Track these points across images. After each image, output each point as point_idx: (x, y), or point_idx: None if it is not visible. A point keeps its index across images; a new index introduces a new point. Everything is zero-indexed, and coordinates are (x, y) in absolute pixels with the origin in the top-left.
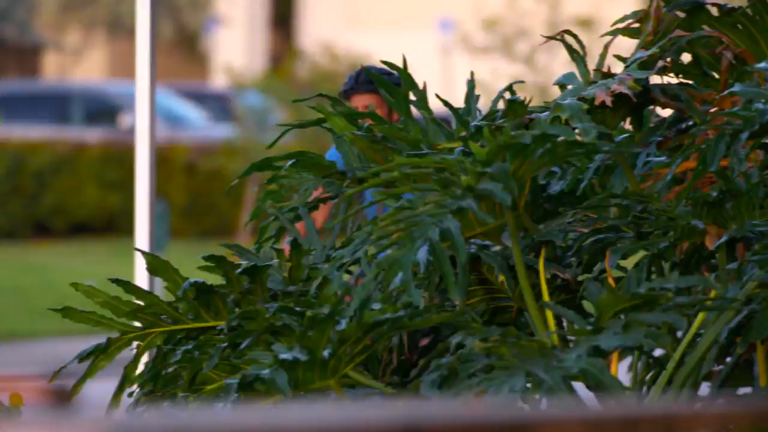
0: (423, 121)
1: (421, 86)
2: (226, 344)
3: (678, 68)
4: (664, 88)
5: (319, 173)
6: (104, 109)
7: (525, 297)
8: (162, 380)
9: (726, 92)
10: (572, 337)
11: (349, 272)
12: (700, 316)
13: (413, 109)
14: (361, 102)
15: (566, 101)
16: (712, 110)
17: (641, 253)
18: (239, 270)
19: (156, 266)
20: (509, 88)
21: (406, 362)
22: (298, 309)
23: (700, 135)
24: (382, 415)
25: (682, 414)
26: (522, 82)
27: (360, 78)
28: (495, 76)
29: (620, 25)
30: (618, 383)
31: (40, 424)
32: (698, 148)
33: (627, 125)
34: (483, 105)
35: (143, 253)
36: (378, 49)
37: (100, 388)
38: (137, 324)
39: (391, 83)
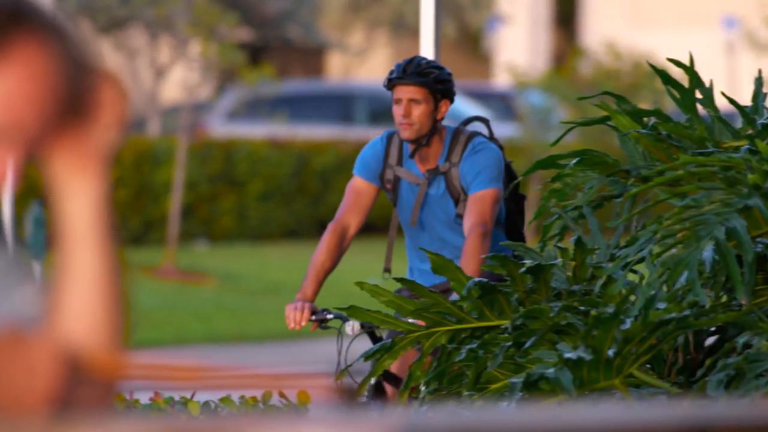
0: (708, 119)
1: (707, 84)
2: (510, 343)
3: None
4: None
5: (603, 171)
6: (388, 109)
7: None
8: (447, 378)
9: None
10: None
11: (633, 271)
12: None
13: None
14: (406, 94)
15: None
16: None
17: None
18: (523, 269)
19: (440, 265)
20: None
21: (692, 362)
22: (582, 308)
23: None
24: (668, 414)
25: None
26: None
27: (409, 69)
28: None
29: None
30: None
31: (327, 422)
32: None
33: None
34: None
35: (428, 252)
36: (660, 47)
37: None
38: (421, 323)
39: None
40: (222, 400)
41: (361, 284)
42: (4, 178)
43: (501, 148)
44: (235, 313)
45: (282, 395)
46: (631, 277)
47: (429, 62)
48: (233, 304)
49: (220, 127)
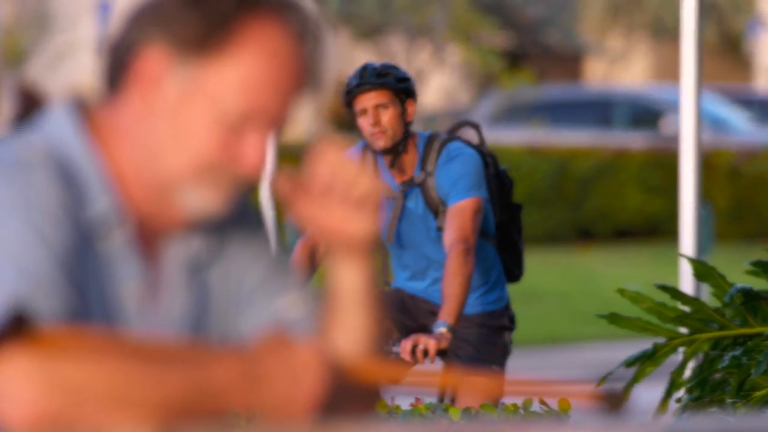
0: None
1: None
2: None
3: None
4: None
5: None
6: (648, 114)
7: None
8: (709, 386)
9: None
10: None
11: None
12: None
13: None
14: (370, 101)
15: None
16: None
17: None
18: None
19: (702, 272)
20: None
21: None
22: None
23: None
24: None
25: None
26: None
27: (366, 75)
28: None
29: None
30: None
31: (590, 428)
32: None
33: None
34: None
35: (689, 259)
36: None
37: (646, 393)
38: (683, 330)
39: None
40: (482, 406)
41: (622, 291)
42: (261, 167)
43: (491, 155)
44: None
45: (543, 402)
46: None
47: (383, 64)
48: None
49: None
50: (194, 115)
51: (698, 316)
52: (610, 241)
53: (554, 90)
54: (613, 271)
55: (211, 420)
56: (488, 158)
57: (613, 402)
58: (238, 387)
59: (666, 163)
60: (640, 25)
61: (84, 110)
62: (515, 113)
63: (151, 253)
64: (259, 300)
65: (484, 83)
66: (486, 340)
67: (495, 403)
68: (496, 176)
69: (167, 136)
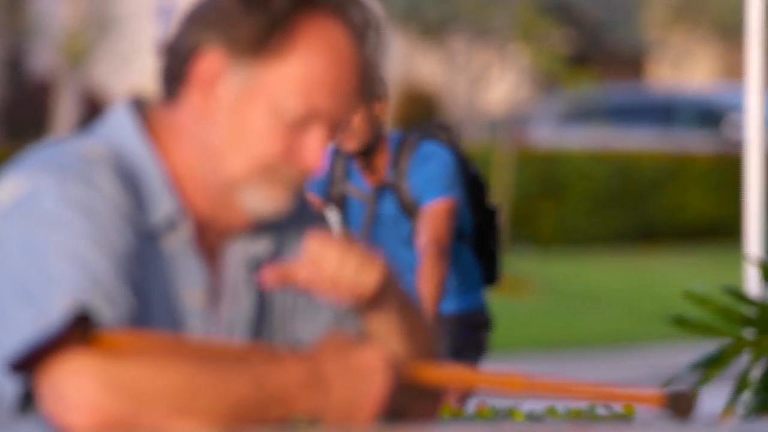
0: None
1: None
2: None
3: None
4: None
5: None
6: (712, 116)
7: None
8: None
9: None
10: None
11: None
12: None
13: None
14: None
15: None
16: None
17: None
18: None
19: None
20: None
21: None
22: None
23: None
24: None
25: None
26: None
27: None
28: None
29: None
30: None
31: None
32: None
33: None
34: None
35: (756, 260)
36: None
37: (712, 396)
38: (749, 333)
39: None
40: (548, 411)
41: (688, 294)
42: (321, 166)
43: (464, 158)
44: (556, 319)
45: (608, 407)
46: None
47: None
48: (555, 311)
49: (542, 134)
50: (253, 116)
51: (765, 318)
52: (673, 243)
53: (618, 91)
54: (677, 274)
55: (275, 425)
56: (463, 160)
57: (682, 406)
58: (304, 391)
59: (730, 164)
60: (703, 24)
61: (145, 112)
62: (579, 115)
63: (213, 255)
64: (320, 302)
65: (547, 85)
66: (462, 340)
67: (464, 399)
68: (471, 179)
69: (227, 137)
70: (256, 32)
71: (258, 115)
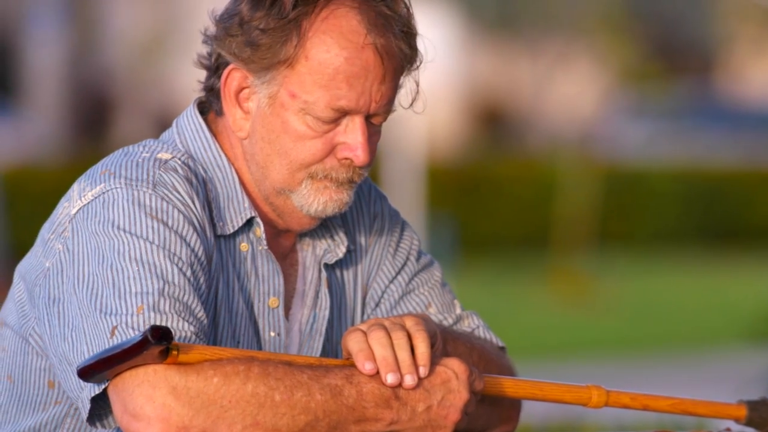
0: None
1: None
2: None
3: None
4: None
5: None
6: None
7: None
8: None
9: None
10: None
11: None
12: None
13: None
14: None
15: None
16: None
17: None
18: None
19: None
20: None
21: None
22: None
23: None
24: None
25: None
26: None
27: None
28: None
29: None
30: None
31: None
32: None
33: None
34: None
35: None
36: None
37: None
38: None
39: None
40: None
41: None
42: (368, 157)
43: None
44: (640, 326)
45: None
46: None
47: None
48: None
49: (627, 145)
50: (286, 122)
51: None
52: (744, 248)
53: (688, 88)
54: (747, 279)
55: None
56: None
57: (763, 416)
58: (383, 404)
59: None
60: None
61: (207, 118)
62: (650, 110)
63: (285, 258)
64: (397, 306)
65: (620, 80)
66: None
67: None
68: None
69: (266, 148)
70: (264, 47)
71: (290, 120)
